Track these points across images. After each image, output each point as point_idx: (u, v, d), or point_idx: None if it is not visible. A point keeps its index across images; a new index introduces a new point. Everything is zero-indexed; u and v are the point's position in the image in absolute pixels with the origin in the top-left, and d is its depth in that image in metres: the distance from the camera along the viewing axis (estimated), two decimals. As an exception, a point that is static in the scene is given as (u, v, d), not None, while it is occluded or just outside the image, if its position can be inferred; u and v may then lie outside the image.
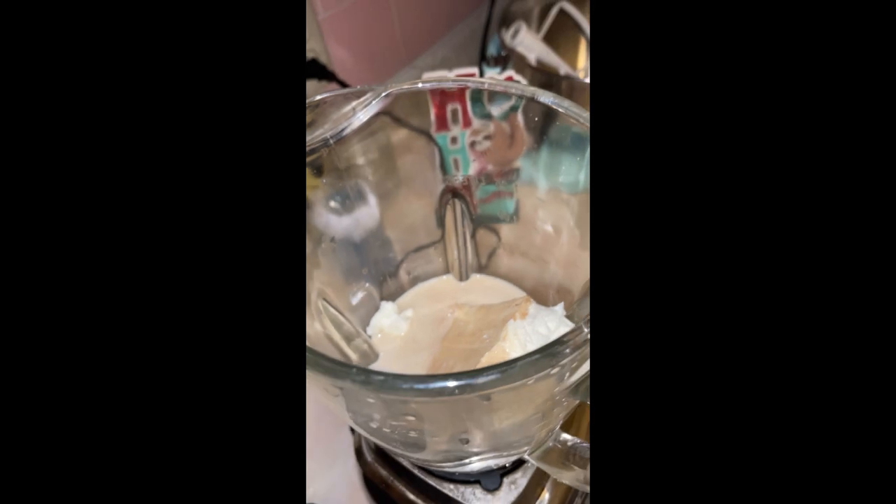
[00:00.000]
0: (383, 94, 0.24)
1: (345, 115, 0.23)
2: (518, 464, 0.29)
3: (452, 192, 0.30)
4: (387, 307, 0.30)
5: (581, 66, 0.56)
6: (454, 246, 0.31)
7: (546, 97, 0.23)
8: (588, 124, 0.22)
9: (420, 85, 0.24)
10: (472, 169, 0.30)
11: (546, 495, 0.30)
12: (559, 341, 0.15)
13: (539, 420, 0.20)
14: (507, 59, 0.56)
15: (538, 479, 0.29)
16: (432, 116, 0.28)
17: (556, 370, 0.15)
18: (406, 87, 0.24)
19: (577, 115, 0.22)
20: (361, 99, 0.23)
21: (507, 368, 0.14)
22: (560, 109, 0.23)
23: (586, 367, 0.17)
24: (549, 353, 0.15)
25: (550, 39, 0.57)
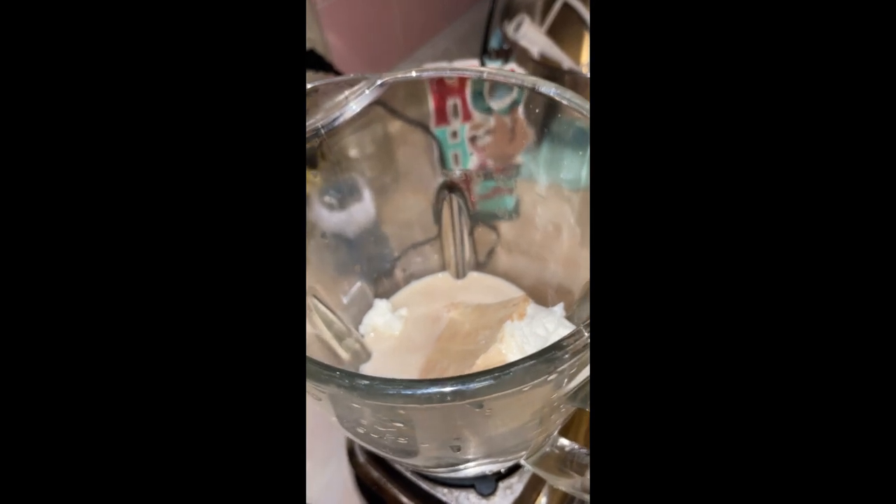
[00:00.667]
0: (378, 83, 0.23)
1: (337, 105, 0.22)
2: (514, 468, 0.28)
3: (450, 187, 0.29)
4: (380, 305, 0.29)
5: (585, 61, 0.55)
6: (451, 243, 0.30)
7: (548, 88, 0.22)
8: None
9: (415, 74, 0.23)
10: (472, 164, 0.29)
11: (542, 500, 0.29)
12: (557, 346, 0.14)
13: (536, 426, 0.19)
14: (509, 52, 0.55)
15: (534, 485, 0.28)
16: (431, 109, 0.27)
17: (553, 376, 0.14)
18: (401, 76, 0.23)
19: (580, 108, 0.21)
20: (355, 88, 0.22)
21: (501, 375, 0.13)
22: (563, 101, 0.22)
23: (586, 372, 0.16)
24: (547, 358, 0.14)
25: (554, 33, 0.55)
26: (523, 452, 0.22)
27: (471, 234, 0.31)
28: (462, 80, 0.26)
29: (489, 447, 0.20)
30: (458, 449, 0.18)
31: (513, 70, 0.49)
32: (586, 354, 0.15)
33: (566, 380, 0.15)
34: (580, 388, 0.16)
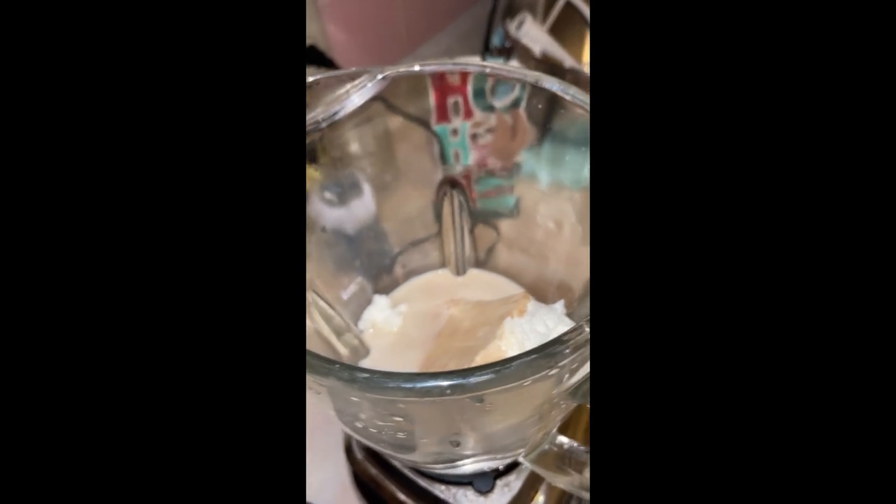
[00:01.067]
0: (380, 77, 0.23)
1: (338, 98, 0.22)
2: (512, 466, 0.28)
3: (451, 183, 0.29)
4: (380, 301, 0.29)
5: (586, 60, 0.55)
6: (451, 239, 0.30)
7: (551, 83, 0.22)
8: (594, 112, 0.21)
9: (418, 68, 0.23)
10: (473, 162, 0.29)
11: (540, 498, 0.29)
12: (558, 340, 0.14)
13: (535, 423, 0.19)
14: (510, 50, 0.55)
15: (532, 482, 0.28)
16: (432, 105, 0.27)
17: (554, 371, 0.14)
18: (404, 69, 0.23)
19: (584, 103, 0.21)
20: (356, 81, 0.22)
21: (502, 368, 0.13)
22: (566, 97, 0.22)
23: (587, 368, 0.16)
24: (548, 352, 0.14)
25: (556, 31, 0.55)
26: (521, 450, 0.22)
27: (471, 231, 0.30)
28: (464, 78, 0.26)
29: (488, 443, 0.20)
30: (458, 444, 0.18)
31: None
32: (587, 350, 0.14)
33: (567, 375, 0.15)
34: (581, 384, 0.16)
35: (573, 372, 0.15)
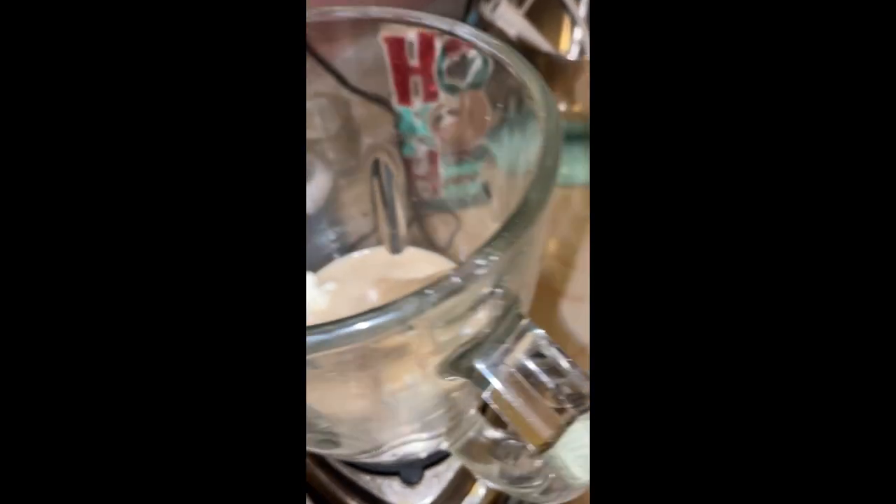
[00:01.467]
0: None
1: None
2: (442, 456, 0.26)
3: (381, 156, 0.27)
4: (306, 278, 0.27)
5: (563, 47, 0.53)
6: (383, 216, 0.28)
7: (462, 29, 0.20)
8: (498, 56, 0.19)
9: (322, 15, 0.21)
10: (433, 145, 0.27)
11: (480, 490, 0.27)
12: (415, 293, 0.12)
13: (432, 399, 0.17)
14: (485, 32, 0.54)
15: (466, 473, 0.26)
16: (391, 83, 0.26)
17: (411, 332, 0.12)
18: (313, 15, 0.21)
19: (496, 48, 0.19)
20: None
21: (336, 328, 0.11)
22: (478, 42, 0.20)
23: (458, 332, 0.14)
24: (395, 307, 0.12)
25: (533, 16, 0.54)
26: (439, 431, 0.20)
27: (408, 206, 0.29)
28: (425, 52, 0.24)
29: (377, 424, 0.18)
30: (319, 416, 0.16)
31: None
32: (456, 307, 0.13)
33: (430, 339, 0.13)
34: (460, 356, 0.14)
35: (440, 332, 0.13)
